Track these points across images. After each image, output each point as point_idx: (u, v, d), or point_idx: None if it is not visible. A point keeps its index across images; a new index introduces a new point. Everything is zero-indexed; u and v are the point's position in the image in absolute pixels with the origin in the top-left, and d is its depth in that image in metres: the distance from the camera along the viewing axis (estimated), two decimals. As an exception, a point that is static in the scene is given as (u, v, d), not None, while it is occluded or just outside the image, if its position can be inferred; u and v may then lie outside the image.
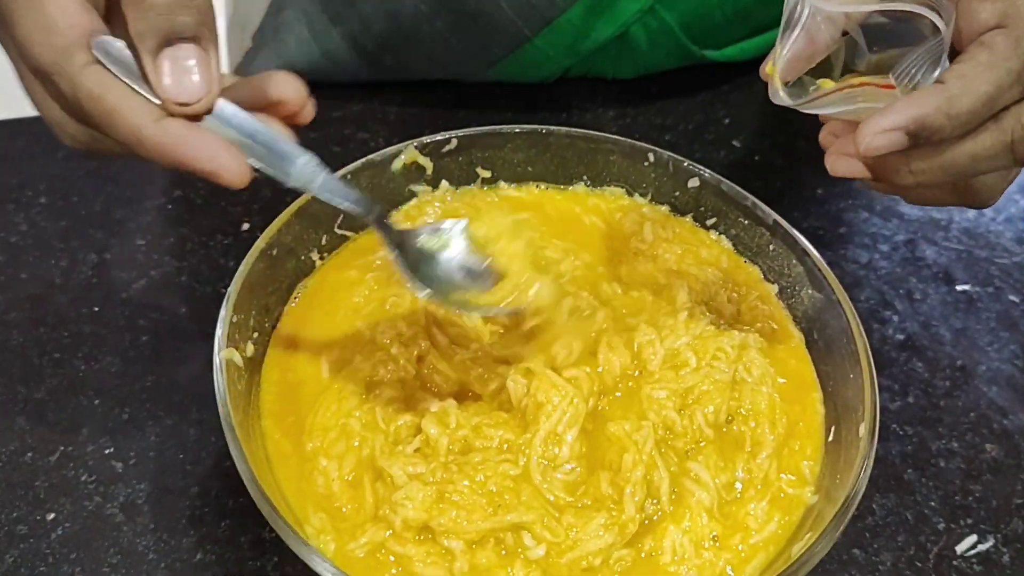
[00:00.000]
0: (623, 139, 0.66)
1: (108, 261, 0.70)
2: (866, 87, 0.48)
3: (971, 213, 0.79)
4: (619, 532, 0.49)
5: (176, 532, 0.55)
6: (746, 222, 0.64)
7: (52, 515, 0.56)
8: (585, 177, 0.68)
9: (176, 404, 0.61)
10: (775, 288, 0.63)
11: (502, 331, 0.59)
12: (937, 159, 0.47)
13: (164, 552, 0.54)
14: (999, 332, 0.71)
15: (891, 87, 0.47)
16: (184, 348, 0.64)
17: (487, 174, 0.67)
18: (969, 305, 0.72)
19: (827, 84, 0.50)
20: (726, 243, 0.66)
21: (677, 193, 0.66)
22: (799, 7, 0.49)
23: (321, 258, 0.62)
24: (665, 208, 0.67)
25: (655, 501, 0.51)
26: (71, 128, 0.45)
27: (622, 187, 0.68)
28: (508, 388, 0.53)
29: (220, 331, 0.51)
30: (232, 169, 0.42)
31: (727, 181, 0.64)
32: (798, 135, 0.85)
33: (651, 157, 0.66)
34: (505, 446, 0.52)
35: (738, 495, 0.52)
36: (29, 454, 0.58)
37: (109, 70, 0.42)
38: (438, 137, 0.65)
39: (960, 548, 0.58)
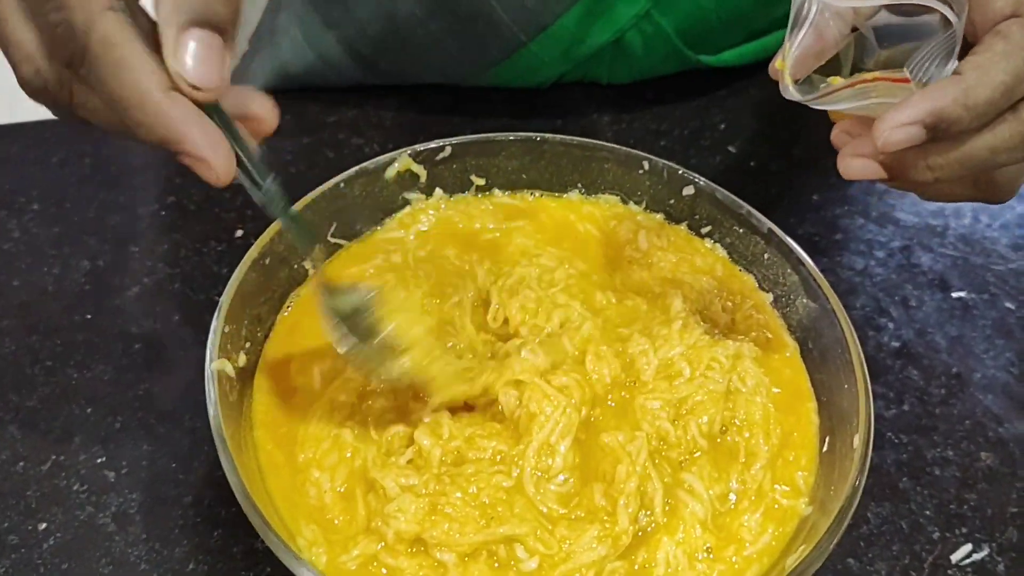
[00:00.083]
0: (618, 147, 0.66)
1: (101, 268, 0.69)
2: (879, 82, 0.47)
3: (967, 219, 0.79)
4: (612, 544, 0.49)
5: (168, 542, 0.55)
6: (741, 230, 0.64)
7: (44, 525, 0.55)
8: (580, 185, 0.68)
9: (169, 413, 0.61)
10: (770, 297, 0.63)
11: (494, 339, 0.59)
12: (955, 153, 0.47)
13: (156, 562, 0.54)
14: (995, 339, 0.70)
15: (905, 81, 0.47)
16: (177, 356, 0.64)
17: (481, 181, 0.67)
18: (965, 312, 0.72)
19: (836, 81, 0.50)
20: (721, 251, 0.65)
21: (672, 201, 0.66)
22: (807, 3, 0.49)
23: (314, 267, 0.62)
24: (660, 216, 0.67)
25: (649, 512, 0.50)
26: (40, 62, 0.42)
27: (617, 195, 0.68)
28: (500, 401, 0.53)
29: (211, 342, 0.51)
30: (221, 164, 0.42)
31: (722, 189, 0.64)
32: (794, 141, 0.85)
33: (646, 165, 0.65)
34: (498, 457, 0.51)
35: (732, 506, 0.52)
36: (21, 463, 0.58)
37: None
38: (432, 145, 0.65)
39: (955, 557, 0.58)
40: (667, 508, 0.51)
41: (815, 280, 0.58)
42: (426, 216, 0.66)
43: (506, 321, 0.59)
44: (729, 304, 0.62)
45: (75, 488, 0.57)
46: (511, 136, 0.66)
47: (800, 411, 0.57)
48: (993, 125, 0.46)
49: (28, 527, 0.55)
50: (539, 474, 0.51)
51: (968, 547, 0.59)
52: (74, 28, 0.40)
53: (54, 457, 0.58)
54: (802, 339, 0.60)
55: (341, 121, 0.83)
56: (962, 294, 0.74)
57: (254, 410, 0.54)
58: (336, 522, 0.50)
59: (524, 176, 0.68)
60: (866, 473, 0.49)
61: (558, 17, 0.77)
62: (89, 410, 0.61)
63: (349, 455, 0.52)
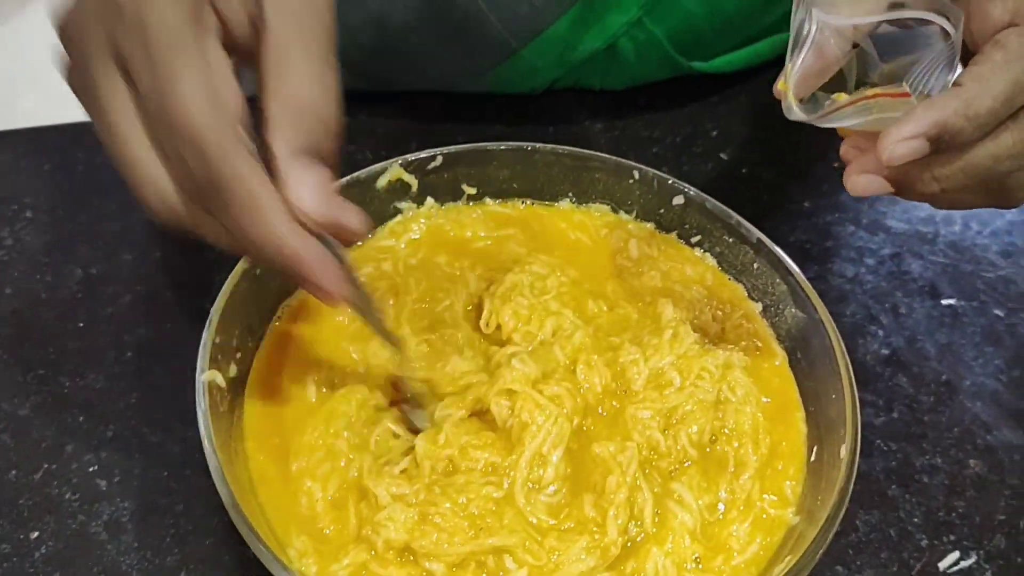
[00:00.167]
0: (608, 156, 0.66)
1: (94, 276, 0.69)
2: (880, 98, 0.48)
3: (957, 226, 0.79)
4: (601, 555, 0.49)
5: (160, 550, 0.55)
6: (731, 240, 0.64)
7: (36, 533, 0.56)
8: (571, 194, 0.68)
9: (161, 421, 0.61)
10: (759, 306, 0.63)
11: (488, 344, 0.59)
12: (959, 163, 0.47)
13: (148, 571, 0.54)
14: (984, 347, 0.71)
15: (905, 95, 0.47)
16: (170, 364, 0.64)
17: (472, 191, 0.67)
18: (954, 319, 0.73)
19: (841, 98, 0.50)
20: (711, 260, 0.66)
21: (662, 210, 0.66)
22: (806, 23, 0.49)
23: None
24: (650, 225, 0.67)
25: (638, 523, 0.51)
26: (170, 197, 0.43)
27: (608, 204, 0.68)
28: (492, 411, 0.53)
29: (202, 353, 0.51)
30: (337, 290, 0.44)
31: (712, 199, 0.64)
32: (786, 148, 0.85)
33: (636, 174, 0.66)
34: (490, 468, 0.52)
35: (720, 516, 0.53)
36: (13, 472, 0.58)
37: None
38: (423, 154, 0.65)
39: (943, 565, 0.59)
40: (656, 519, 0.51)
41: (803, 290, 0.59)
42: (417, 225, 0.66)
43: (499, 327, 0.60)
44: (719, 313, 0.62)
45: (67, 497, 0.57)
46: (502, 146, 0.66)
47: (789, 420, 0.57)
48: (995, 134, 0.47)
49: (20, 536, 0.55)
50: (530, 485, 0.51)
51: (956, 555, 0.59)
52: (208, 162, 0.40)
53: (46, 466, 0.59)
54: (791, 348, 0.61)
55: (334, 128, 0.83)
56: (952, 301, 0.74)
57: (245, 421, 0.54)
58: (327, 532, 0.50)
59: (515, 185, 0.68)
60: (853, 483, 0.50)
61: (550, 24, 0.77)
62: (81, 418, 0.61)
63: (343, 464, 0.52)
